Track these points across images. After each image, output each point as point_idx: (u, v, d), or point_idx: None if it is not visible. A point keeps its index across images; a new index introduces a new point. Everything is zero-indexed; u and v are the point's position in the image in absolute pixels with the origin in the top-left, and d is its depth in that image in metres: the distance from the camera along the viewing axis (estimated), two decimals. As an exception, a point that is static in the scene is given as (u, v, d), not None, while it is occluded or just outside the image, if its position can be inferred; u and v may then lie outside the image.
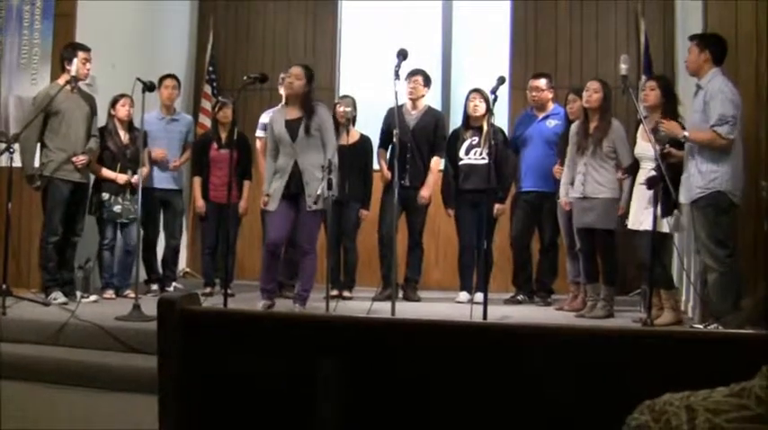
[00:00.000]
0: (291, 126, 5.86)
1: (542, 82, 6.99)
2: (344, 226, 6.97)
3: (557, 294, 6.98)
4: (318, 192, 5.73)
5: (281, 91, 6.54)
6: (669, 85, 5.80)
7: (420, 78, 7.03)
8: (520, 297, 6.95)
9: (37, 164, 6.29)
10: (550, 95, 7.00)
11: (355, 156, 6.88)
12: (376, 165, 7.15)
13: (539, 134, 6.86)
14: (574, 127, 6.18)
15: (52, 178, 6.25)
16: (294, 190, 5.83)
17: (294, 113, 5.92)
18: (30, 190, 6.40)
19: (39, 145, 6.31)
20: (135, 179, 6.49)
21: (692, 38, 5.45)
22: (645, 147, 5.53)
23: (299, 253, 6.08)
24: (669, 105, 5.62)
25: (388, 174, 6.79)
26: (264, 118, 6.97)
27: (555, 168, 6.54)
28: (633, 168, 5.85)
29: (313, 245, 5.94)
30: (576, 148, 6.06)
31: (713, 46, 5.27)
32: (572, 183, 6.13)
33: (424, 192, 6.88)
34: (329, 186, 5.66)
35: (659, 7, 8.05)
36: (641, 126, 5.64)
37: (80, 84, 6.39)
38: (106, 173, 6.67)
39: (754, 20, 5.58)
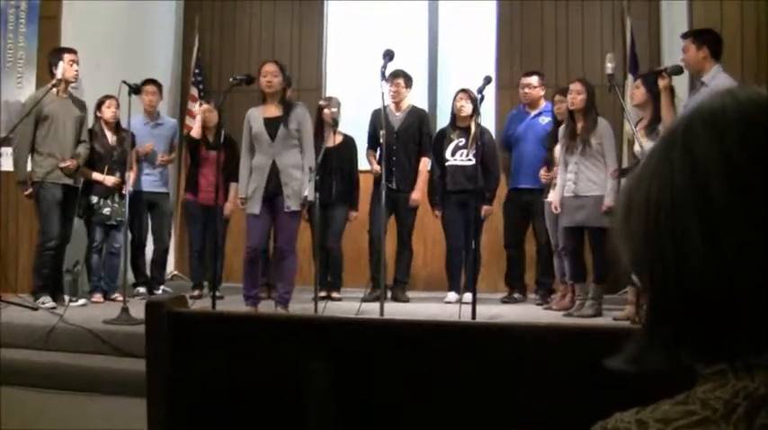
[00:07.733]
0: (270, 125, 5.72)
1: (534, 79, 7.01)
2: (331, 228, 6.94)
3: (554, 293, 6.93)
4: (305, 194, 5.68)
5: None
6: (656, 82, 5.71)
7: (401, 81, 6.98)
8: (516, 295, 6.94)
9: (28, 168, 6.25)
10: (542, 93, 7.02)
11: (340, 158, 6.88)
12: (362, 166, 7.13)
13: (531, 131, 6.88)
14: (562, 130, 6.19)
15: (43, 182, 6.22)
16: (272, 191, 5.70)
17: (272, 111, 5.78)
18: (16, 193, 6.36)
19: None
20: (124, 190, 6.46)
21: (686, 35, 5.35)
22: (645, 145, 5.47)
23: (278, 255, 5.96)
24: (658, 103, 5.56)
25: (377, 169, 6.73)
26: None
27: (541, 172, 6.53)
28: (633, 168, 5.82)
29: (293, 246, 5.83)
30: (565, 150, 6.07)
31: (710, 41, 5.19)
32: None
33: (416, 195, 6.86)
34: (315, 188, 5.66)
35: (645, 6, 8.08)
36: (640, 124, 5.64)
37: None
38: (95, 175, 6.65)
39: (739, 18, 5.59)
